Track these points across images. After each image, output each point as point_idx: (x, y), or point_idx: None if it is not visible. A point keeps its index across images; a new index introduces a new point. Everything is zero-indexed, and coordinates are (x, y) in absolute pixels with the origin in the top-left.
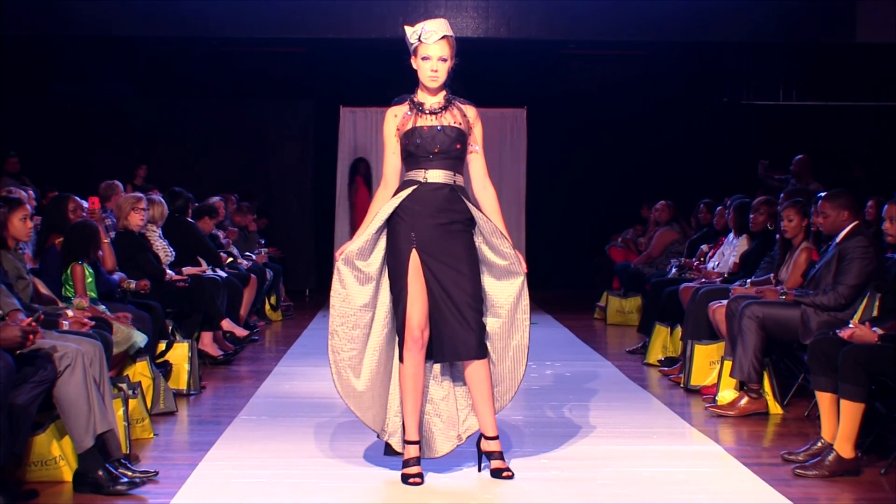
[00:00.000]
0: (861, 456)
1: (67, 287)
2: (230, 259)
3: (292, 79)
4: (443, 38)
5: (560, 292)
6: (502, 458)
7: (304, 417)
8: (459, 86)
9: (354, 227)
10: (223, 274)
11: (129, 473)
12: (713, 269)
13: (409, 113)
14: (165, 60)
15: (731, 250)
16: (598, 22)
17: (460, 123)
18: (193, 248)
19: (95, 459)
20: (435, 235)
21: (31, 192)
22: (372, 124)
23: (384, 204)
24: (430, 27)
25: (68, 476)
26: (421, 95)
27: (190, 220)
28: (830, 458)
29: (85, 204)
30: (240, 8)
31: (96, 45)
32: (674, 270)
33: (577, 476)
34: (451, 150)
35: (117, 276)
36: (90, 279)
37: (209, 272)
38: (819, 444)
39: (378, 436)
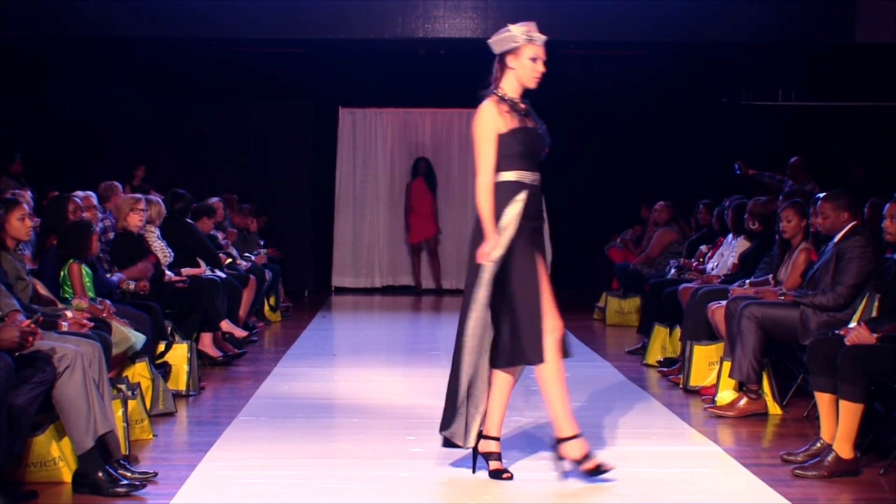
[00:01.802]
0: (860, 456)
1: (65, 288)
2: (229, 260)
3: (291, 79)
4: (545, 42)
5: (559, 293)
6: (500, 459)
7: (303, 418)
8: (459, 87)
9: (409, 227)
10: (222, 275)
11: (129, 474)
12: (712, 269)
13: (507, 112)
14: (164, 61)
15: (730, 251)
16: (598, 23)
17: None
18: (192, 249)
19: (95, 460)
20: (534, 239)
21: (28, 192)
22: (371, 125)
23: (494, 205)
24: (536, 29)
25: (68, 477)
26: (512, 94)
27: (189, 220)
28: (829, 458)
29: (94, 199)
30: (239, 8)
31: (95, 46)
32: (673, 271)
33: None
34: (544, 153)
35: (116, 276)
36: (88, 279)
37: (208, 273)
38: (818, 444)
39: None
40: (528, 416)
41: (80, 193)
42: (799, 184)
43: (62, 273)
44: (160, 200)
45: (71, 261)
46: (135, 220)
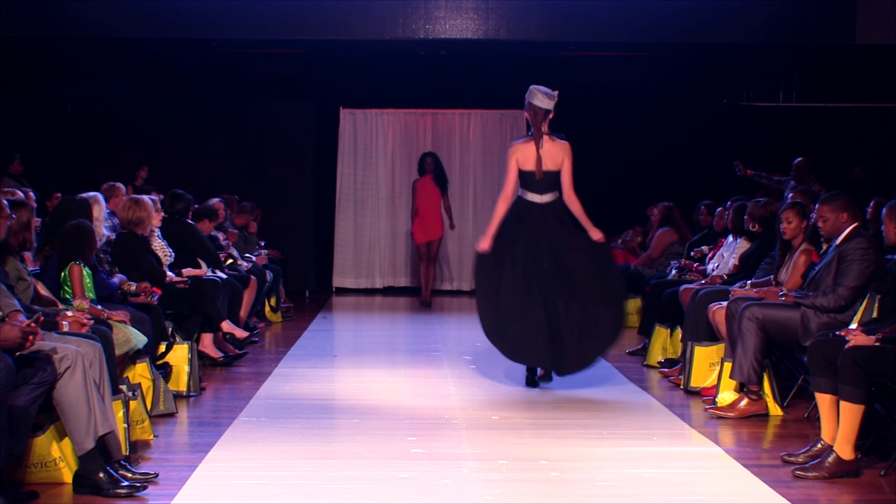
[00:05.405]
0: (861, 457)
1: (66, 289)
2: (230, 261)
3: (292, 80)
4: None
5: None
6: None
7: (303, 419)
8: (459, 87)
9: (415, 229)
10: (223, 275)
11: (129, 475)
12: (713, 270)
13: None
14: (166, 62)
15: (731, 252)
16: (599, 23)
17: None
18: (193, 249)
19: (95, 461)
20: None
21: (30, 193)
22: (372, 125)
23: None
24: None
25: (68, 478)
26: None
27: (190, 221)
28: (830, 459)
29: (106, 232)
30: (240, 9)
31: (97, 47)
32: (674, 272)
33: (577, 477)
34: None
35: (118, 278)
36: (88, 280)
37: (209, 274)
38: (819, 445)
39: None
40: (528, 417)
41: (88, 194)
42: (804, 185)
43: (63, 274)
44: (158, 200)
45: (72, 262)
46: (156, 222)
